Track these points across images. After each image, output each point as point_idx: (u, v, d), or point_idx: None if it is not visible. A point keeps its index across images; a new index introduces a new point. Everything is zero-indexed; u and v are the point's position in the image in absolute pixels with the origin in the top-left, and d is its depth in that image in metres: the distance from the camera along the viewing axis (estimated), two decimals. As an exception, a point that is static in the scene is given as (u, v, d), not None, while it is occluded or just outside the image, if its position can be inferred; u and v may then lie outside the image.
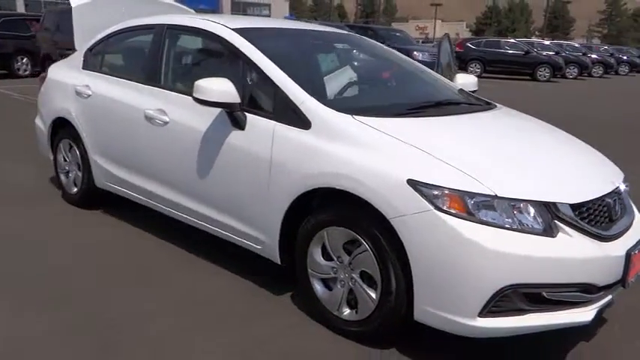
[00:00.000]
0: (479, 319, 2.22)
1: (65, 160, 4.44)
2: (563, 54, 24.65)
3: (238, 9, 46.69)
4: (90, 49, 4.25)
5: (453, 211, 2.22)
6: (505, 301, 2.22)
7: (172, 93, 3.40)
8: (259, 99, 2.97)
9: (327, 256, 2.67)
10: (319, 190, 2.58)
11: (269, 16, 47.84)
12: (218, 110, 3.01)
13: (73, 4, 4.57)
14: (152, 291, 3.04)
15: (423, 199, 2.25)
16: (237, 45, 3.13)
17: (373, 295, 2.48)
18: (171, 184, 3.40)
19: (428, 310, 2.31)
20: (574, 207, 2.35)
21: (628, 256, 2.40)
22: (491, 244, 2.17)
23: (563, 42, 33.03)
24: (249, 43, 3.10)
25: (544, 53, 23.18)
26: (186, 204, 3.32)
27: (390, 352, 2.53)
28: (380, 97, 3.34)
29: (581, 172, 2.68)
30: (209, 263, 3.41)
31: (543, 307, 2.28)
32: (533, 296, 2.25)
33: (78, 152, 4.23)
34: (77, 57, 4.39)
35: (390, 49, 4.07)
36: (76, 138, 4.22)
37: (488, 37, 32.54)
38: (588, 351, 2.62)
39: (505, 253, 2.17)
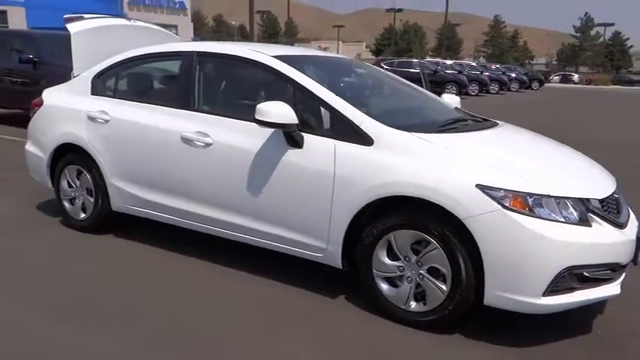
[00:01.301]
0: (542, 298, 2.67)
1: (71, 187, 4.41)
2: (465, 72, 26.83)
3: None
4: (98, 76, 4.29)
5: (516, 209, 2.67)
6: (561, 281, 2.69)
7: (213, 116, 3.59)
8: (313, 119, 3.27)
9: (393, 256, 3.01)
10: (387, 198, 2.92)
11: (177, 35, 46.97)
12: (270, 131, 3.28)
13: (72, 31, 4.57)
14: (207, 300, 3.21)
15: (492, 201, 2.68)
16: (282, 70, 3.42)
17: (443, 287, 2.86)
18: (214, 202, 3.57)
19: (498, 294, 2.72)
20: (600, 201, 2.89)
21: (638, 239, 2.98)
22: (551, 235, 2.64)
23: (464, 62, 35.84)
24: (293, 68, 3.40)
25: (449, 72, 25.07)
26: (233, 220, 3.50)
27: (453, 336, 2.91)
28: (411, 116, 3.74)
29: (592, 173, 3.25)
30: (251, 275, 3.60)
31: (585, 284, 2.78)
32: (579, 276, 2.74)
33: (90, 177, 4.23)
34: (81, 83, 4.40)
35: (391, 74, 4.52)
36: (87, 163, 4.23)
37: (400, 57, 34.59)
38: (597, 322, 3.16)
39: (562, 242, 2.65)
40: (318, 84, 3.30)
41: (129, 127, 3.95)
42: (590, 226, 2.77)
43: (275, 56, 3.54)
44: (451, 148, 2.98)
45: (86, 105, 4.22)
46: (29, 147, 4.73)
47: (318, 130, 3.22)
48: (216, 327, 2.92)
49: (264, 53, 3.56)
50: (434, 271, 2.90)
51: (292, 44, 75.22)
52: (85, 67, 4.57)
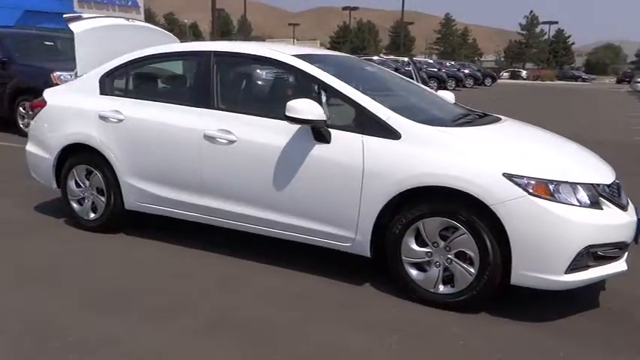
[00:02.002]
0: (564, 275, 2.93)
1: (79, 187, 4.40)
2: (423, 70, 27.50)
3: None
4: (107, 75, 4.30)
5: (540, 195, 2.91)
6: (580, 259, 2.95)
7: (236, 114, 3.69)
8: (338, 115, 3.42)
9: (421, 243, 3.20)
10: (417, 189, 3.11)
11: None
12: (295, 127, 3.41)
13: (75, 31, 4.55)
14: (250, 292, 3.32)
15: (518, 188, 2.91)
16: (305, 69, 3.55)
17: (472, 270, 3.08)
18: (239, 198, 3.67)
19: (524, 273, 2.96)
20: (607, 186, 3.18)
21: (639, 220, 3.28)
22: (572, 218, 2.90)
23: (421, 59, 36.69)
24: (315, 67, 3.55)
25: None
26: (259, 214, 3.62)
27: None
28: (425, 112, 3.93)
29: (595, 161, 3.54)
30: (281, 268, 3.72)
31: (598, 262, 3.06)
32: (594, 254, 3.01)
33: (101, 177, 4.24)
34: (87, 83, 4.39)
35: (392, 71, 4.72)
36: (98, 163, 4.24)
37: (359, 55, 35.15)
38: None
39: (581, 224, 2.91)
40: (341, 81, 3.46)
41: (145, 126, 3.99)
42: (601, 209, 3.05)
43: (296, 55, 3.67)
44: (472, 140, 3.20)
45: (96, 105, 4.23)
46: (31, 148, 4.68)
47: (344, 126, 3.37)
48: (265, 316, 3.05)
49: (285, 53, 3.69)
50: (461, 255, 3.12)
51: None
52: (89, 67, 4.57)
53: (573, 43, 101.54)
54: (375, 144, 3.25)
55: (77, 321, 2.94)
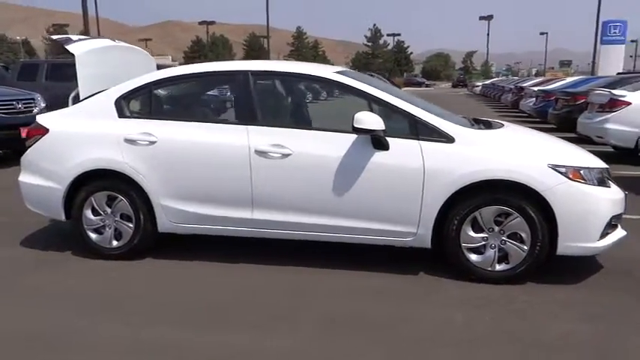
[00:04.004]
0: (597, 242, 3.63)
1: (97, 215, 4.22)
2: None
3: None
4: (124, 97, 4.19)
5: (576, 179, 3.58)
6: (606, 228, 3.67)
7: (286, 129, 3.90)
8: (392, 125, 3.79)
9: (478, 229, 3.71)
10: (476, 183, 3.61)
11: None
12: (351, 137, 3.75)
13: (76, 53, 4.36)
14: (332, 293, 3.57)
15: (561, 175, 3.55)
16: (352, 85, 3.90)
17: (524, 247, 3.65)
18: (296, 207, 3.86)
19: (568, 244, 3.60)
20: (606, 170, 3.96)
21: (625, 195, 4.13)
22: (601, 195, 3.62)
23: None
24: (360, 82, 3.91)
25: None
26: (317, 221, 3.85)
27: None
28: (451, 118, 4.35)
29: (587, 153, 4.33)
30: (344, 270, 3.98)
31: (612, 229, 3.81)
32: (610, 224, 3.76)
33: (128, 202, 4.13)
34: (98, 105, 4.24)
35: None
36: (123, 188, 4.12)
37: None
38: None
39: (607, 199, 3.65)
40: (388, 94, 3.86)
41: (183, 146, 4.00)
42: (609, 187, 3.81)
43: (337, 72, 4.00)
44: (508, 140, 3.82)
45: (118, 128, 4.11)
46: (28, 179, 4.36)
47: (399, 134, 3.76)
48: (364, 311, 3.32)
49: (328, 70, 4.00)
50: (513, 236, 3.68)
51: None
52: (91, 90, 4.42)
53: (412, 53, 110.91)
54: (432, 148, 3.69)
55: (188, 340, 2.97)
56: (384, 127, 3.66)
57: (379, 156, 3.73)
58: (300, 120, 4.16)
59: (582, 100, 11.97)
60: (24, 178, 4.39)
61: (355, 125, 3.60)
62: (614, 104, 9.17)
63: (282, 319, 3.25)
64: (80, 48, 4.41)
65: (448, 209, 3.71)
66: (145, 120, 4.15)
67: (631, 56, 73.94)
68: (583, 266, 4.02)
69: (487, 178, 3.60)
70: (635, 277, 3.91)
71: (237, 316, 3.29)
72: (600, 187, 3.68)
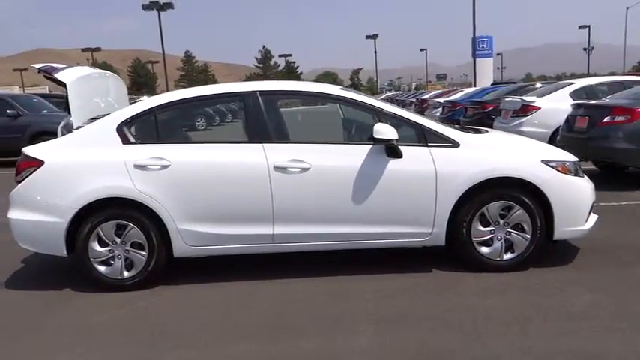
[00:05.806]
0: (584, 225, 4.18)
1: (105, 246, 4.07)
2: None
3: None
4: (126, 124, 4.11)
5: (564, 172, 4.10)
6: (589, 213, 4.23)
7: (302, 144, 4.05)
8: (401, 133, 4.07)
9: (485, 224, 4.10)
10: (483, 182, 4.00)
11: None
12: (365, 148, 4.01)
13: (67, 81, 4.19)
14: (372, 299, 3.76)
15: (552, 169, 4.05)
16: (360, 100, 4.16)
17: (527, 235, 4.10)
18: (317, 219, 4.01)
19: (563, 229, 4.10)
20: (579, 163, 4.56)
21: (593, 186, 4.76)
22: (584, 184, 4.18)
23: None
24: (367, 96, 4.19)
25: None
26: (338, 230, 4.03)
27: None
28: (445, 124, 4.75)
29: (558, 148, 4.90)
30: (365, 275, 4.17)
31: (590, 214, 4.38)
32: (590, 208, 4.32)
33: (140, 229, 4.04)
34: (97, 133, 4.12)
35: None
36: (134, 216, 4.03)
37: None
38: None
39: (588, 187, 4.22)
40: (393, 106, 4.18)
41: (199, 169, 4.00)
42: (584, 177, 4.39)
43: (341, 88, 4.25)
44: (501, 142, 4.28)
45: (125, 154, 4.02)
46: (20, 215, 4.10)
47: (409, 142, 4.07)
48: (411, 309, 3.55)
49: (334, 87, 4.24)
50: (516, 227, 4.12)
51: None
52: (83, 118, 4.29)
53: (302, 73, 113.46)
54: (441, 153, 4.03)
55: (274, 348, 3.04)
56: (397, 137, 3.94)
57: (393, 164, 4.00)
58: (316, 134, 4.33)
59: (491, 108, 13.23)
60: (15, 214, 4.12)
61: (375, 136, 3.86)
62: (526, 109, 10.28)
63: (338, 322, 3.38)
64: (68, 76, 4.26)
65: (459, 208, 4.06)
66: (153, 145, 4.09)
67: (498, 68, 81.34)
68: (564, 250, 4.56)
69: (496, 176, 4.00)
70: (616, 253, 4.49)
71: (298, 324, 3.39)
72: (580, 178, 4.24)
